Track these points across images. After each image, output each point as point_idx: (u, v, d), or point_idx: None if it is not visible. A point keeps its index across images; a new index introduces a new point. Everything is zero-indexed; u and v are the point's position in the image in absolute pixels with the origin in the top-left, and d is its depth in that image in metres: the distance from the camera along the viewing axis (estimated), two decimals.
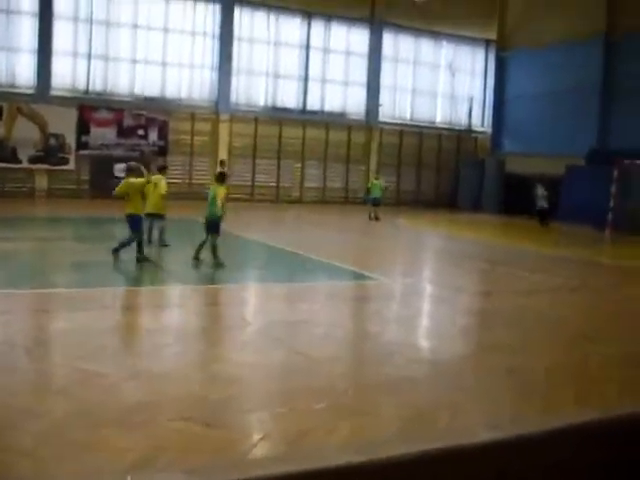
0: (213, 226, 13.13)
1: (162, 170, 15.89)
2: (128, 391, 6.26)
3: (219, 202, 13.03)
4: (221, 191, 13.23)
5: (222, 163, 25.84)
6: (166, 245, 15.47)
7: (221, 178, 13.86)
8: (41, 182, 30.07)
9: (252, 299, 11.74)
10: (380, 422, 5.82)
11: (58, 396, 6.06)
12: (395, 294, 12.47)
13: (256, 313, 10.43)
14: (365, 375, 7.29)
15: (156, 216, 15.00)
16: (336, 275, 13.98)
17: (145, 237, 14.40)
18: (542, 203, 26.97)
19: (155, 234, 15.45)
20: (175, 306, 10.64)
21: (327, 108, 34.74)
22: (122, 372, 6.75)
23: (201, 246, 13.27)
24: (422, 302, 12.09)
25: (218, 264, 13.06)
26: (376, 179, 27.79)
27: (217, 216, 13.11)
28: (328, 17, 33.80)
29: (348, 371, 7.44)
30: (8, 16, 29.38)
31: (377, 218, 25.91)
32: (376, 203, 26.45)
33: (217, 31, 32.09)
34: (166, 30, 31.48)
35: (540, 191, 27.15)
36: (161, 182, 14.85)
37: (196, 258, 13.31)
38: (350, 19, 34.24)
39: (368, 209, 26.81)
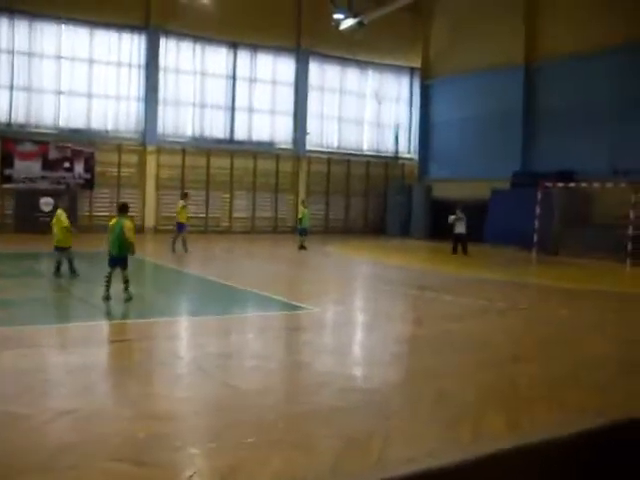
0: (121, 261, 12.64)
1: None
2: (54, 433, 6.06)
3: (128, 235, 12.42)
4: (128, 223, 12.64)
5: (186, 195, 25.58)
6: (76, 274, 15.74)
7: (124, 209, 13.25)
8: None
9: (182, 333, 11.54)
10: (312, 454, 5.82)
11: None
12: (326, 323, 12.50)
13: (186, 347, 10.29)
14: (296, 406, 7.24)
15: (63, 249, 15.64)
16: (266, 306, 13.97)
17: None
18: (460, 229, 26.11)
19: (65, 266, 15.68)
20: (101, 342, 10.37)
21: (255, 137, 34.86)
22: (47, 413, 6.48)
23: (109, 282, 12.62)
24: (353, 330, 12.15)
25: (129, 298, 12.64)
26: (304, 207, 27.89)
27: (126, 251, 12.57)
28: (254, 47, 34.07)
29: (279, 403, 7.38)
30: None
31: (303, 247, 25.87)
32: (303, 232, 26.41)
33: (143, 62, 31.97)
34: (91, 61, 31.24)
35: (455, 216, 26.14)
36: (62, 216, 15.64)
37: (107, 297, 12.62)
38: (276, 48, 34.57)
39: (298, 239, 26.73)
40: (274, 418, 6.69)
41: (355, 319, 13.18)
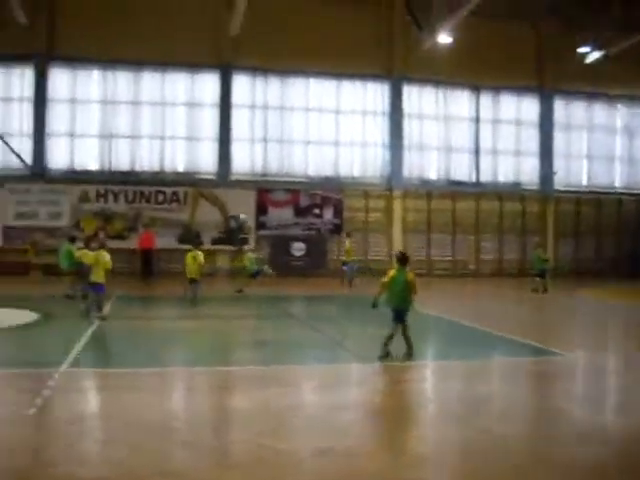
0: (402, 313, 11.65)
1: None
2: (311, 470, 6.20)
3: (412, 288, 11.50)
4: (411, 276, 11.61)
5: (349, 234, 25.85)
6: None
7: (406, 261, 11.86)
8: (223, 262, 30.70)
9: (431, 376, 11.24)
10: None
11: (235, 471, 6.15)
12: (580, 369, 11.61)
13: (436, 390, 10.14)
14: (556, 455, 6.71)
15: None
16: (516, 350, 13.22)
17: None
18: None
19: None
20: (354, 384, 10.38)
21: (500, 179, 34.00)
22: (304, 450, 6.69)
23: (390, 338, 11.68)
24: (610, 378, 11.18)
25: (409, 354, 11.60)
26: (541, 251, 26.33)
27: (408, 304, 11.64)
28: (496, 89, 33.60)
29: (536, 449, 6.91)
30: (192, 109, 31.02)
31: (545, 290, 24.39)
32: (541, 274, 24.86)
33: (387, 109, 32.49)
34: (337, 111, 32.21)
35: None
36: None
37: (385, 354, 11.61)
38: (519, 89, 33.85)
39: (538, 282, 24.99)
40: (532, 464, 6.43)
41: (613, 366, 12.05)
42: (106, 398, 9.13)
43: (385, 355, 11.46)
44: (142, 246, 28.84)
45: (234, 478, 5.89)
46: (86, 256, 18.58)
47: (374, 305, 11.60)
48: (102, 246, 16.10)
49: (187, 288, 19.78)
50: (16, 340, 13.80)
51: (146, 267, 28.29)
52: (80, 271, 18.78)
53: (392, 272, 11.74)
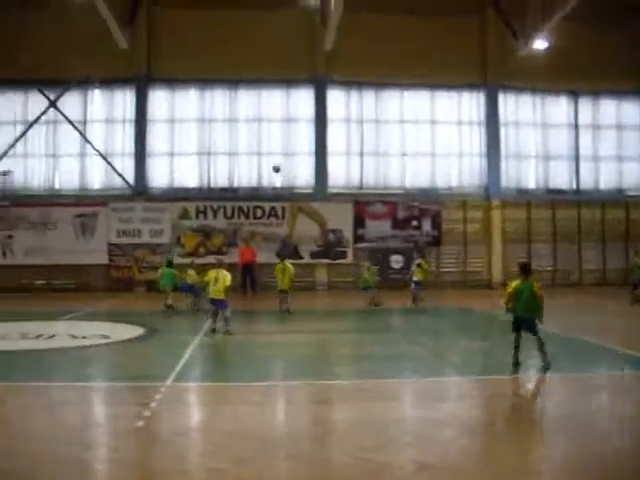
0: (527, 324, 11.27)
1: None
2: None
3: (539, 297, 11.21)
4: (537, 286, 11.35)
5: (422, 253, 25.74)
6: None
7: (529, 271, 11.60)
8: (321, 276, 30.65)
9: (539, 389, 10.74)
10: None
11: None
12: None
13: (543, 405, 9.76)
14: None
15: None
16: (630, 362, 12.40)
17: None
18: None
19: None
20: (457, 398, 10.01)
21: (602, 186, 33.09)
22: (407, 465, 6.60)
23: (517, 349, 11.39)
24: None
25: (546, 367, 11.13)
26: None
27: (534, 314, 11.24)
28: (595, 93, 32.83)
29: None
30: (288, 124, 31.28)
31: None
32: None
33: (483, 118, 32.10)
34: (433, 122, 31.98)
35: None
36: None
37: (516, 363, 11.32)
38: (619, 92, 32.98)
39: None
40: None
41: None
42: (210, 411, 9.37)
43: (516, 365, 11.28)
44: (243, 261, 28.99)
45: None
46: (191, 277, 20.97)
47: (509, 313, 11.51)
48: (220, 265, 16.45)
49: (280, 300, 20.54)
50: (124, 354, 14.28)
51: (248, 281, 28.40)
52: (192, 290, 20.92)
53: (515, 282, 11.49)
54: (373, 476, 6.34)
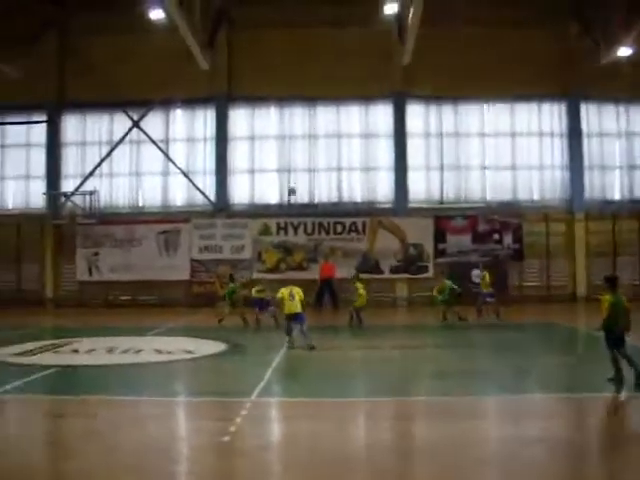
0: (619, 340, 11.10)
1: None
2: None
3: (629, 313, 11.06)
4: (625, 299, 11.15)
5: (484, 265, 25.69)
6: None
7: (615, 284, 11.36)
8: (401, 290, 30.51)
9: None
10: None
11: None
12: None
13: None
14: None
15: None
16: None
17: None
18: None
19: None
20: (545, 416, 9.66)
21: None
22: None
23: (617, 364, 11.12)
24: None
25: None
26: None
27: (624, 329, 11.06)
28: None
29: None
30: (367, 139, 31.35)
31: None
32: None
33: (565, 129, 31.62)
34: (513, 134, 31.64)
35: None
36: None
37: (616, 379, 11.09)
38: None
39: None
40: None
41: None
42: (294, 426, 9.41)
43: (619, 381, 11.00)
44: (323, 276, 29.06)
45: None
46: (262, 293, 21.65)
47: (603, 329, 11.20)
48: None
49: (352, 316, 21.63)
50: (209, 369, 14.58)
51: (326, 297, 28.52)
52: (260, 304, 21.49)
53: (608, 297, 11.20)
54: None
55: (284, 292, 16.45)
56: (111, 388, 11.94)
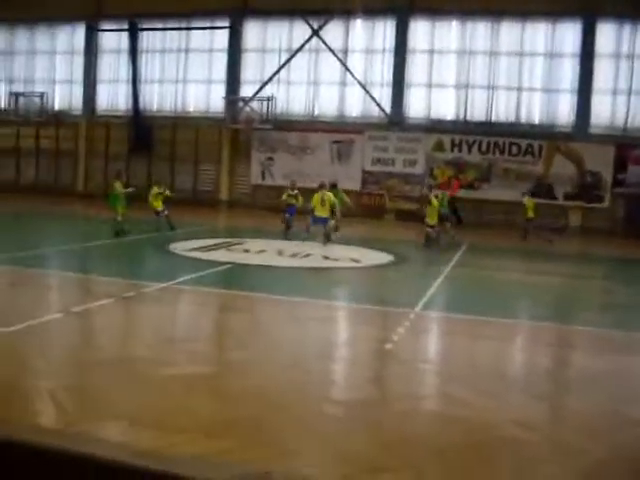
0: None
1: None
2: None
3: None
4: None
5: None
6: None
7: None
8: (575, 219, 29.71)
9: None
10: None
11: (597, 438, 5.66)
12: None
13: None
14: None
15: None
16: None
17: None
18: None
19: None
20: None
21: None
22: None
23: None
24: None
25: None
26: None
27: None
28: None
29: None
30: (551, 59, 30.10)
31: None
32: None
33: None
34: None
35: None
36: None
37: None
38: None
39: None
40: None
41: None
42: (455, 342, 9.47)
43: None
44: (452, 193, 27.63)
45: (596, 444, 5.51)
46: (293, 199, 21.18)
47: None
48: (322, 186, 19.51)
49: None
50: (374, 279, 14.92)
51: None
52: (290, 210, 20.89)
53: None
54: (623, 430, 5.96)
55: (316, 197, 18.86)
56: (280, 289, 12.37)
